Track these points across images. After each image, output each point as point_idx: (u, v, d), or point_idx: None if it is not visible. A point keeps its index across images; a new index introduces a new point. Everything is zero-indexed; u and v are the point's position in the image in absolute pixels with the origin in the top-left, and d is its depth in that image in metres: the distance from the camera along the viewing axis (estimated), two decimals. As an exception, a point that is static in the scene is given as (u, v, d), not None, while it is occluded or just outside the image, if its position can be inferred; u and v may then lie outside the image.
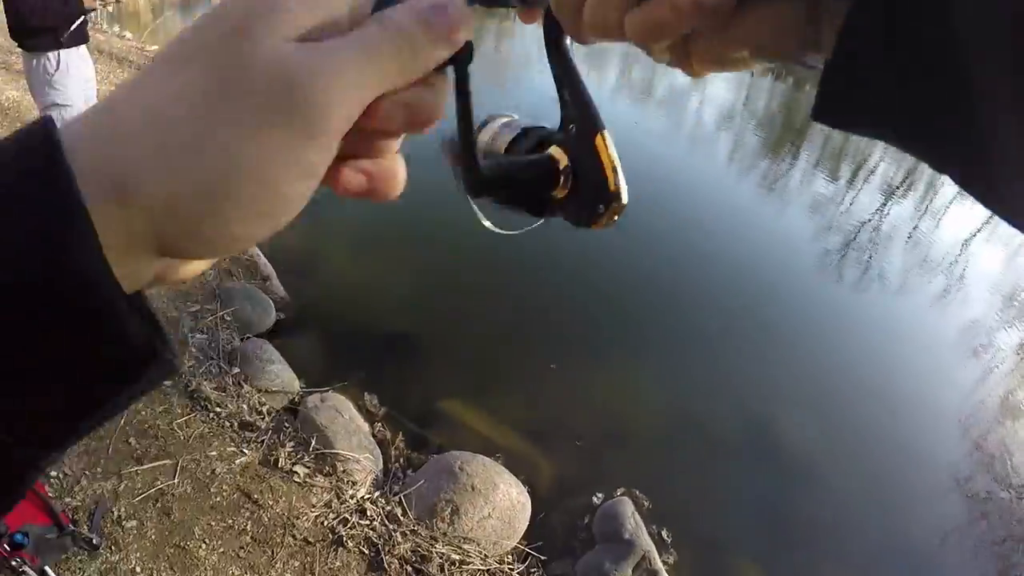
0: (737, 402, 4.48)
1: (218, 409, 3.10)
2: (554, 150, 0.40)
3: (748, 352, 4.98)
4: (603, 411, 4.24)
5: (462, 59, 0.31)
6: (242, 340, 3.67)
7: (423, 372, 4.10)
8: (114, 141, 0.24)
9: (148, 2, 15.51)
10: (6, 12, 3.44)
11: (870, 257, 7.25)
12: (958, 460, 4.58)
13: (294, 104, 0.25)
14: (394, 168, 0.32)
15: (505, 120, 0.46)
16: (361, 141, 0.30)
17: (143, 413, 2.95)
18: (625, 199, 0.38)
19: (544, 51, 0.41)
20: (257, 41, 0.25)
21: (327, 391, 3.55)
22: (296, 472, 2.95)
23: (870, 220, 8.29)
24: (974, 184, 0.27)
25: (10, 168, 0.23)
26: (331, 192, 0.31)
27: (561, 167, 0.39)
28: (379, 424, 3.56)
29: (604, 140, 0.38)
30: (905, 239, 8.09)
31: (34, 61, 3.60)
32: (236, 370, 3.38)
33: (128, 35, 11.60)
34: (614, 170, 0.38)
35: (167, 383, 3.12)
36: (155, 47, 11.08)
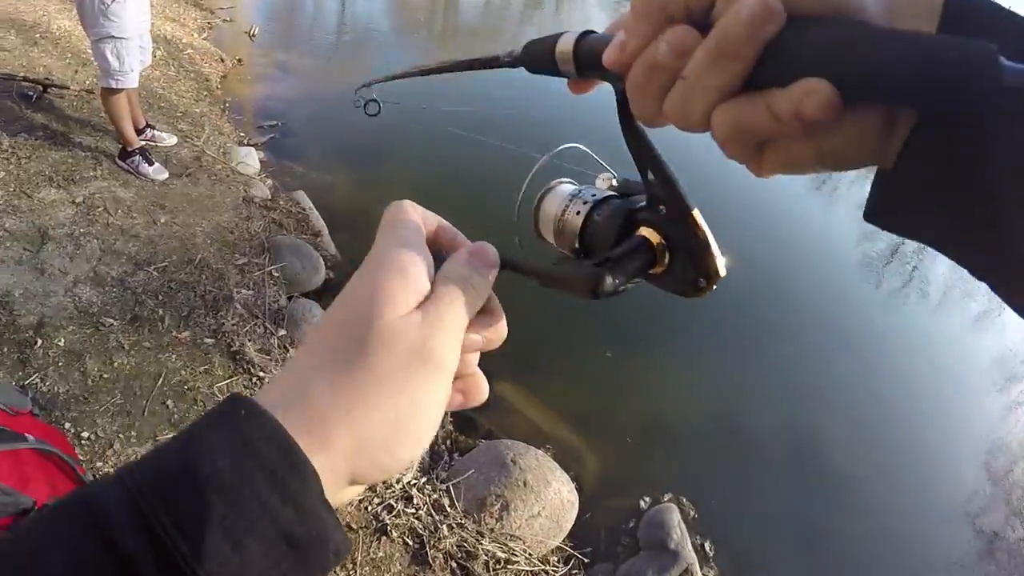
0: (782, 413, 4.24)
1: (261, 374, 2.94)
2: (646, 231, 0.41)
3: (794, 361, 4.76)
4: (654, 408, 4.05)
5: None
6: (289, 299, 3.52)
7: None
8: (317, 418, 0.33)
9: None
10: None
11: (914, 268, 7.00)
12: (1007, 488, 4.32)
13: (432, 361, 0.35)
14: (479, 380, 0.43)
15: (569, 190, 0.49)
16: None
17: (183, 373, 2.81)
18: (724, 272, 0.39)
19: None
20: (388, 322, 0.35)
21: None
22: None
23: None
24: (1004, 296, 0.32)
25: (259, 451, 0.30)
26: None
27: (655, 245, 0.41)
28: None
29: (697, 219, 0.39)
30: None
31: None
32: (282, 332, 3.22)
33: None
34: (711, 248, 0.39)
35: (210, 341, 2.99)
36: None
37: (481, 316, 0.40)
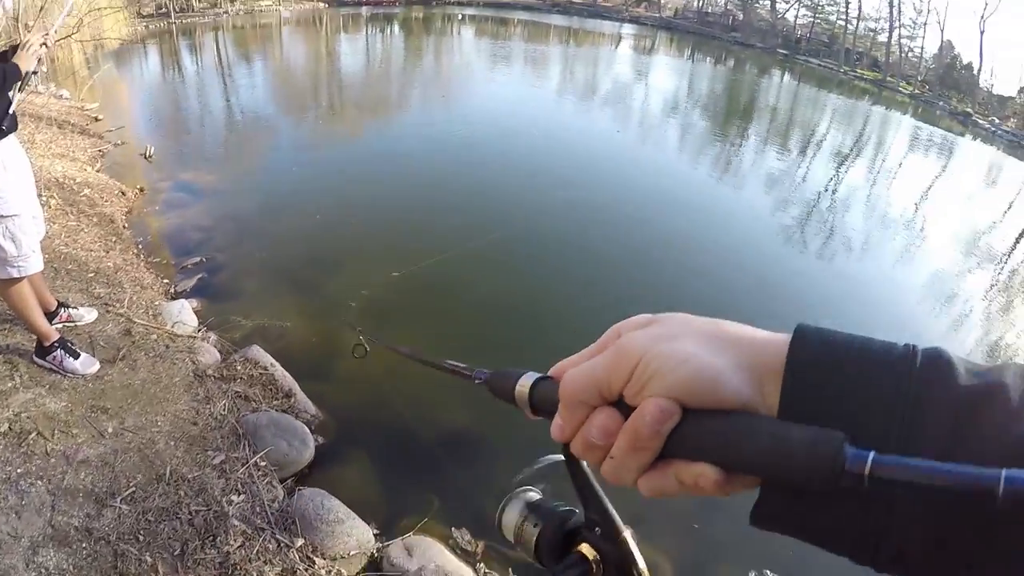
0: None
1: (294, 606, 2.49)
2: (584, 548, 0.51)
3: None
4: None
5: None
6: (288, 494, 3.06)
7: (500, 476, 3.49)
8: None
9: (83, 57, 14.63)
10: None
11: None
12: None
13: None
14: None
15: (527, 501, 0.59)
16: None
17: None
18: None
19: None
20: None
21: (409, 536, 3.00)
22: None
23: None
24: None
25: None
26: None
27: (591, 559, 0.50)
28: (481, 565, 2.98)
29: (626, 543, 0.49)
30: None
31: None
32: (300, 542, 2.75)
33: (66, 94, 10.80)
34: (637, 565, 0.48)
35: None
36: (95, 104, 10.31)
37: None
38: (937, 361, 0.35)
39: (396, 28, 34.61)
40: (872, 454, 0.30)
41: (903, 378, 0.35)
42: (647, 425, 0.39)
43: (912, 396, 0.34)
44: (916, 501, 0.33)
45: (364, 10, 40.30)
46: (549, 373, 0.51)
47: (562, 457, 0.52)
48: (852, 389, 0.35)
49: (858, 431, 0.33)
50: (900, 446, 0.33)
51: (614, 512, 0.50)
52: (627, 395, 0.41)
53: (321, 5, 38.88)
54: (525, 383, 0.51)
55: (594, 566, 0.50)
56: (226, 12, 30.91)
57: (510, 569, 2.98)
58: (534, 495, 0.60)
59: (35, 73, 3.11)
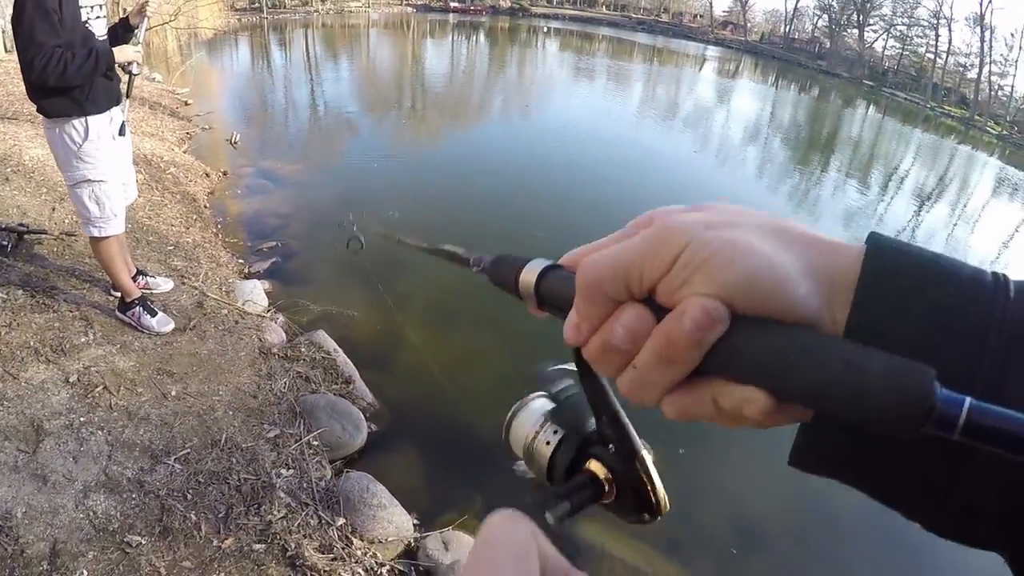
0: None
1: (328, 581, 2.55)
2: (594, 465, 0.45)
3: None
4: (742, 507, 3.82)
5: None
6: (335, 475, 3.14)
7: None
8: None
9: (177, 44, 15.60)
10: (21, 68, 2.98)
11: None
12: None
13: None
14: None
15: (540, 413, 0.52)
16: None
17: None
18: (667, 508, 0.43)
19: None
20: None
21: (448, 530, 3.03)
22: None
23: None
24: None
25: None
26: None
27: (602, 478, 0.45)
28: None
29: (644, 462, 0.44)
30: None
31: (57, 129, 3.15)
32: (341, 521, 2.82)
33: (159, 77, 11.48)
34: (655, 489, 0.43)
35: (259, 547, 2.60)
36: (185, 89, 10.94)
37: None
38: None
39: (482, 36, 35.38)
40: (968, 400, 0.26)
41: (994, 310, 0.30)
42: (686, 332, 0.32)
43: (1005, 334, 0.29)
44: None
45: (451, 17, 41.50)
46: (561, 261, 0.45)
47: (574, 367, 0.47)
48: (936, 317, 0.31)
49: (941, 368, 0.27)
50: (986, 390, 0.28)
51: (632, 430, 0.44)
52: (662, 290, 0.34)
53: (409, 9, 40.32)
54: (533, 269, 0.44)
55: (606, 485, 0.45)
56: (316, 10, 32.37)
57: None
58: (547, 403, 0.54)
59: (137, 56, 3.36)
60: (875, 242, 0.33)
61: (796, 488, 3.89)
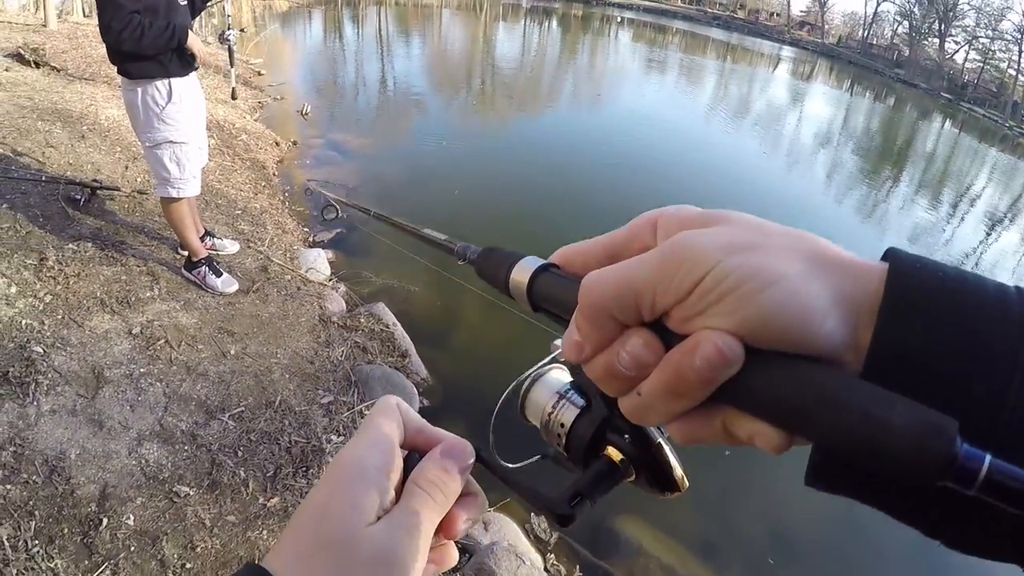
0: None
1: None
2: (612, 452, 0.44)
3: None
4: (779, 515, 3.70)
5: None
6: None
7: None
8: None
9: (252, 15, 15.97)
10: (100, 30, 3.04)
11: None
12: None
13: (397, 566, 0.37)
14: (449, 550, 0.45)
15: (559, 385, 0.50)
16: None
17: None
18: (686, 485, 0.43)
19: None
20: (354, 532, 0.37)
21: (489, 512, 2.99)
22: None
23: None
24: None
25: None
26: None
27: (619, 463, 0.44)
28: (551, 555, 2.95)
29: (663, 451, 0.42)
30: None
31: (139, 90, 3.21)
32: (388, 494, 2.83)
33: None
34: (673, 468, 0.43)
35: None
36: (259, 60, 11.16)
37: (463, 499, 0.44)
38: None
39: (554, 23, 35.22)
40: (988, 457, 0.25)
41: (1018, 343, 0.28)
42: (697, 370, 0.30)
43: None
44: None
45: (524, 1, 41.30)
46: (552, 259, 0.43)
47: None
48: (964, 341, 0.29)
49: (968, 395, 0.27)
50: (1017, 408, 0.27)
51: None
52: (675, 316, 0.32)
53: (482, -9, 40.33)
54: (525, 268, 0.43)
55: (624, 469, 0.43)
56: (389, -12, 32.59)
57: (578, 567, 2.96)
58: (563, 375, 0.51)
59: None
60: (896, 260, 0.31)
61: (842, 502, 3.71)
